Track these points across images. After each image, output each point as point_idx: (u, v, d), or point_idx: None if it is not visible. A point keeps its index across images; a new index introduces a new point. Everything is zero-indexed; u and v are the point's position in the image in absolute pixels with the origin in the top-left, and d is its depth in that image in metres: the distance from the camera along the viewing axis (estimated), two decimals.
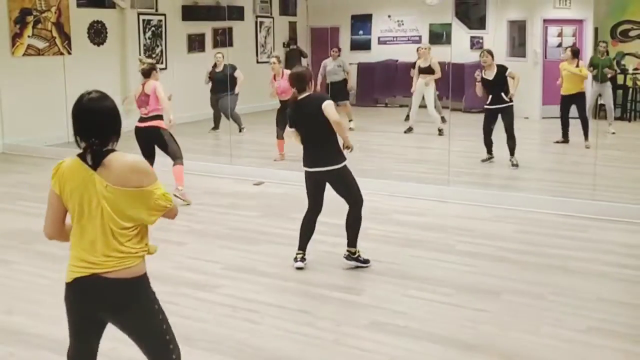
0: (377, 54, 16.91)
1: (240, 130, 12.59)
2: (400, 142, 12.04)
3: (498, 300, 4.95)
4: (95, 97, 2.89)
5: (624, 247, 6.13)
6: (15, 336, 4.45)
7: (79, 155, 2.86)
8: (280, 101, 10.00)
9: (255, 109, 14.85)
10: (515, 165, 9.44)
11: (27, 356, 4.20)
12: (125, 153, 2.88)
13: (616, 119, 13.80)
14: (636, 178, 8.84)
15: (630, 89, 13.99)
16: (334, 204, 7.57)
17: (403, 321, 4.58)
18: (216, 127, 13.08)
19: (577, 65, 10.88)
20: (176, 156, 7.83)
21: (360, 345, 4.25)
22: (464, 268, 5.60)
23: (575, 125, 11.05)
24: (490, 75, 9.57)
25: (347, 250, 5.62)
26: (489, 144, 9.82)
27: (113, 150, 2.86)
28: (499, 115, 9.60)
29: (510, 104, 9.58)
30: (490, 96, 9.63)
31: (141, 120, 7.75)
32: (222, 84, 12.17)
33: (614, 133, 11.65)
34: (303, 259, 5.61)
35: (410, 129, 12.64)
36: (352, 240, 5.62)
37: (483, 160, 9.81)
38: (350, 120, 12.86)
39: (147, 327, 2.97)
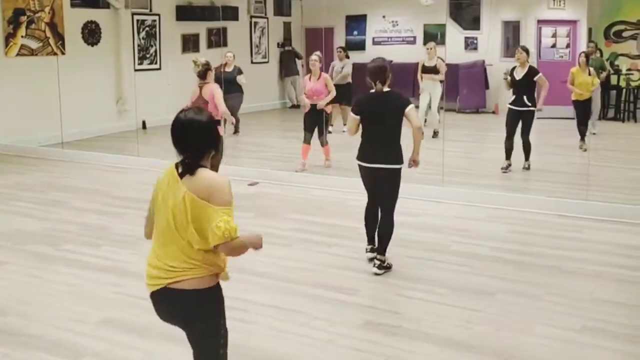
0: (371, 54, 16.85)
1: (235, 132, 12.62)
2: None
3: (493, 300, 4.96)
4: (190, 114, 2.99)
5: (618, 247, 6.15)
6: (9, 337, 4.43)
7: (176, 163, 2.97)
8: (311, 104, 9.41)
9: (250, 109, 14.83)
10: (527, 169, 9.31)
11: (22, 357, 4.18)
12: (214, 172, 2.99)
13: (609, 119, 13.88)
14: (630, 178, 8.88)
15: (624, 90, 14.04)
16: (330, 204, 7.58)
17: (397, 321, 4.58)
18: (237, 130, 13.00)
19: (589, 73, 10.64)
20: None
21: (355, 346, 4.25)
22: (459, 268, 5.61)
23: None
24: (519, 74, 9.16)
25: (378, 259, 5.50)
26: (509, 148, 9.33)
27: (203, 166, 2.93)
28: (520, 119, 9.20)
29: (532, 108, 9.12)
30: (514, 96, 9.23)
31: None
32: (232, 84, 12.22)
33: (594, 134, 11.61)
34: (373, 250, 5.67)
35: (436, 132, 12.37)
36: (382, 249, 5.52)
37: (503, 169, 9.30)
38: (345, 124, 12.80)
39: (206, 345, 3.05)
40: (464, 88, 15.16)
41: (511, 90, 9.35)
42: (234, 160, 9.85)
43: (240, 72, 12.57)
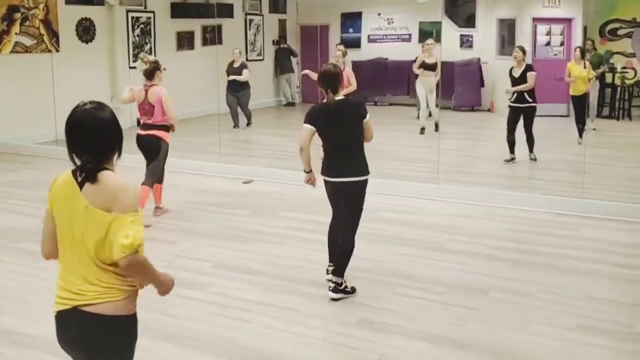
0: (367, 52, 16.90)
1: (248, 124, 12.96)
2: (390, 141, 12.01)
3: (488, 298, 4.96)
4: (89, 108, 2.55)
5: (613, 245, 6.16)
6: (3, 335, 4.41)
7: (73, 171, 2.58)
8: None
9: None
10: (534, 160, 9.59)
11: (16, 356, 4.16)
12: (119, 176, 2.57)
13: (604, 117, 13.90)
14: (625, 176, 8.89)
15: (619, 88, 14.06)
16: (324, 202, 7.54)
17: (392, 319, 4.57)
18: (236, 125, 13.06)
19: (585, 67, 10.81)
20: (153, 175, 7.11)
21: (350, 344, 4.24)
22: (454, 266, 5.61)
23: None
24: (517, 72, 9.56)
25: (333, 282, 4.99)
26: (511, 142, 9.68)
27: (106, 169, 2.54)
28: (521, 115, 9.56)
29: (533, 104, 9.52)
30: (515, 94, 9.58)
31: (143, 127, 7.04)
32: (239, 81, 12.61)
33: (594, 129, 11.66)
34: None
35: (423, 129, 12.36)
36: (339, 270, 5.01)
37: (506, 161, 9.63)
38: None
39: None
40: (460, 86, 15.16)
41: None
42: (228, 158, 9.84)
43: (244, 66, 12.71)
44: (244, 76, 12.76)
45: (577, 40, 14.51)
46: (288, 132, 10.82)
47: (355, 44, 17.37)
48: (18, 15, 11.72)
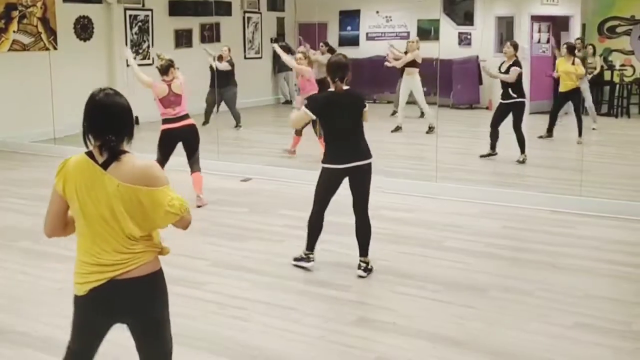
0: (365, 50, 16.89)
1: (237, 126, 12.72)
2: (388, 139, 12.02)
3: (486, 296, 4.95)
4: (112, 93, 2.81)
5: (612, 243, 6.15)
6: (0, 335, 4.40)
7: (87, 154, 2.76)
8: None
9: (243, 105, 14.80)
10: (522, 162, 9.49)
11: (12, 354, 4.15)
12: (138, 157, 2.80)
13: (603, 114, 13.90)
14: (623, 174, 8.89)
15: (617, 85, 14.07)
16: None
17: (390, 317, 4.56)
18: (207, 121, 13.06)
19: (573, 63, 10.90)
20: (197, 161, 7.53)
21: (347, 342, 4.23)
22: (452, 264, 5.60)
23: (564, 122, 11.09)
24: (504, 67, 9.57)
25: (363, 261, 5.35)
26: (493, 138, 9.74)
27: (126, 152, 2.78)
28: (510, 112, 9.55)
29: (519, 99, 9.48)
30: (502, 90, 9.62)
31: (172, 121, 7.30)
32: (224, 77, 12.35)
33: (594, 129, 11.69)
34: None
35: (399, 128, 12.49)
36: (367, 250, 5.38)
37: (482, 156, 9.73)
38: None
39: (162, 329, 2.94)
40: (458, 83, 15.16)
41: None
42: (227, 157, 9.82)
43: (230, 64, 12.62)
44: (223, 65, 12.46)
45: (576, 37, 14.52)
46: (286, 130, 10.80)
47: (353, 41, 17.37)
48: (16, 13, 11.70)
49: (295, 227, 6.62)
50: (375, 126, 12.84)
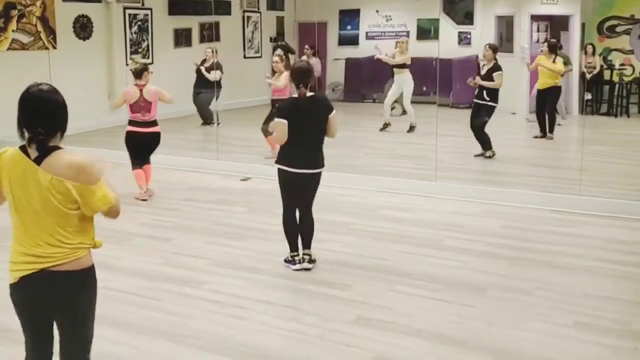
0: (364, 49, 16.88)
1: (206, 124, 12.95)
2: (388, 138, 12.03)
3: (485, 295, 4.95)
4: (46, 89, 2.86)
5: (611, 242, 6.15)
6: None
7: (21, 148, 2.82)
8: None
9: (242, 104, 14.81)
10: (489, 157, 9.68)
11: (9, 353, 4.14)
12: (72, 151, 2.84)
13: (602, 114, 13.93)
14: (623, 173, 8.88)
15: (617, 85, 14.07)
16: (321, 200, 7.54)
17: (390, 317, 4.56)
18: (205, 122, 13.09)
19: (554, 61, 11.06)
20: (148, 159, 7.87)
21: (347, 341, 4.23)
22: (451, 263, 5.60)
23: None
24: (484, 69, 9.73)
25: (307, 254, 5.49)
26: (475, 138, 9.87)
27: (59, 148, 2.81)
28: (480, 112, 9.79)
29: (491, 104, 9.68)
30: (477, 90, 9.81)
31: (140, 125, 7.58)
32: (205, 79, 12.57)
33: (560, 125, 11.92)
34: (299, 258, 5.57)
35: (387, 125, 12.51)
36: (310, 244, 5.56)
37: (476, 155, 9.80)
38: None
39: (82, 324, 2.96)
40: (457, 83, 15.13)
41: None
42: (226, 156, 9.81)
43: (217, 67, 12.68)
44: (212, 75, 12.51)
45: (576, 37, 14.53)
46: None
47: (353, 41, 17.37)
48: (15, 12, 11.68)
49: None
50: (375, 125, 12.90)
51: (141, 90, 7.55)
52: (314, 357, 4.05)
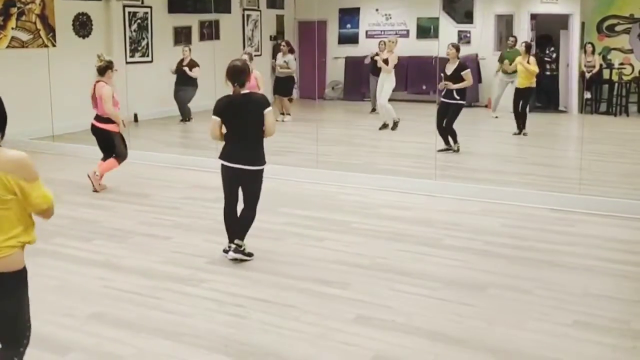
0: (364, 48, 16.88)
1: (184, 121, 13.23)
2: (387, 136, 12.03)
3: (485, 294, 4.95)
4: None
5: (610, 241, 6.15)
6: None
7: None
8: None
9: None
10: (456, 151, 9.92)
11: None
12: (9, 149, 2.94)
13: (602, 113, 13.93)
14: (622, 172, 8.89)
15: (616, 84, 14.08)
16: (321, 198, 7.55)
17: (389, 315, 4.56)
18: (184, 119, 13.36)
19: (528, 61, 11.30)
20: (120, 155, 8.05)
21: (346, 340, 4.22)
22: (451, 262, 5.59)
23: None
24: (450, 68, 9.85)
25: (235, 244, 5.57)
26: (441, 135, 10.03)
27: None
28: (448, 110, 9.93)
29: (460, 102, 9.89)
30: (445, 90, 9.93)
31: (97, 119, 7.94)
32: (185, 77, 13.11)
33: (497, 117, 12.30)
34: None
35: (386, 125, 12.52)
36: (242, 235, 5.62)
37: (440, 150, 9.80)
38: (288, 114, 13.70)
39: (12, 322, 3.06)
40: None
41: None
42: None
43: (193, 65, 13.17)
44: (194, 73, 13.14)
45: (576, 36, 14.53)
46: (284, 127, 10.82)
47: (353, 39, 17.37)
48: (14, 10, 11.67)
49: (294, 225, 6.62)
50: (375, 124, 12.91)
51: (95, 85, 7.84)
52: (313, 355, 4.04)
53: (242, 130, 5.45)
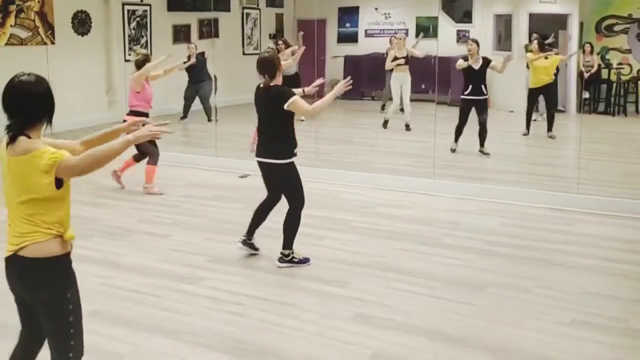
0: (363, 46, 16.89)
1: (209, 121, 12.88)
2: (386, 135, 12.03)
3: (483, 293, 4.95)
4: (25, 80, 2.89)
5: (609, 240, 6.16)
6: None
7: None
8: None
9: (241, 101, 14.77)
10: (487, 154, 9.66)
11: (6, 349, 4.13)
12: (37, 140, 2.85)
13: (600, 113, 13.93)
14: (621, 172, 8.89)
15: (614, 84, 14.08)
16: (321, 197, 7.56)
17: (387, 314, 4.56)
18: (185, 116, 13.18)
19: (546, 58, 11.08)
20: (151, 155, 7.92)
21: (345, 338, 4.23)
22: (450, 261, 5.60)
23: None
24: (476, 64, 9.71)
25: (281, 253, 5.46)
26: (482, 135, 9.89)
27: (28, 136, 2.83)
28: (474, 107, 9.79)
29: (487, 97, 9.77)
30: (471, 87, 9.76)
31: (128, 113, 7.78)
32: (199, 72, 12.79)
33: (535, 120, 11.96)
34: (245, 243, 5.69)
35: (387, 123, 12.49)
36: (287, 242, 5.46)
37: (453, 150, 9.88)
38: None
39: (54, 323, 2.90)
40: (456, 81, 15.12)
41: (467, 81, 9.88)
42: (224, 152, 9.80)
43: (203, 56, 12.89)
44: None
45: (574, 36, 14.52)
46: None
47: (352, 38, 17.37)
48: (13, 8, 11.66)
49: None
50: (374, 123, 12.90)
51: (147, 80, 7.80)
52: (312, 354, 4.05)
53: (261, 123, 5.42)
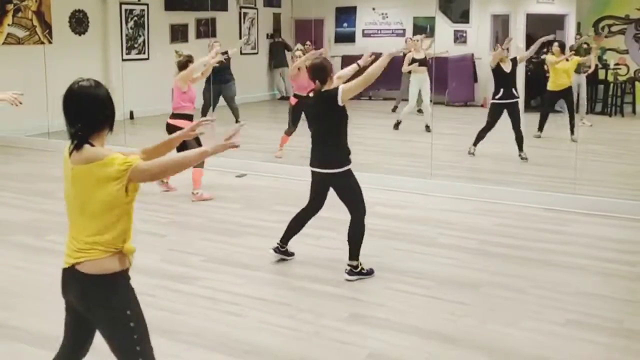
0: (361, 46, 16.88)
1: (237, 122, 12.66)
2: (383, 135, 12.04)
3: (478, 293, 4.97)
4: (86, 85, 2.82)
5: (604, 240, 6.18)
6: None
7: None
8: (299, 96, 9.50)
9: (238, 101, 14.78)
10: (526, 159, 9.52)
11: (5, 349, 4.15)
12: (103, 147, 2.78)
13: (597, 113, 13.95)
14: (617, 172, 8.92)
15: (611, 84, 14.11)
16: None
17: (383, 313, 4.58)
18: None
19: (567, 60, 10.96)
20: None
21: (341, 338, 4.25)
22: (445, 261, 5.62)
23: (555, 120, 11.12)
24: (507, 67, 9.48)
25: (348, 265, 5.25)
26: (482, 138, 9.75)
27: (91, 144, 2.74)
28: (506, 111, 9.50)
29: (518, 99, 9.57)
30: (502, 90, 9.48)
31: (171, 116, 7.64)
32: (223, 72, 12.15)
33: (585, 124, 11.83)
34: (278, 251, 5.58)
35: (399, 124, 12.46)
36: (350, 253, 5.26)
37: (471, 153, 9.79)
38: None
39: (116, 341, 2.86)
40: (453, 81, 15.18)
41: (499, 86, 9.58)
42: (222, 152, 9.80)
43: (227, 55, 12.49)
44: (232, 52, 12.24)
45: (571, 36, 14.55)
46: (282, 126, 10.77)
47: (349, 38, 17.37)
48: (10, 7, 11.67)
49: None
50: (373, 123, 12.92)
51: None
52: (308, 354, 4.07)
53: (315, 132, 5.25)
